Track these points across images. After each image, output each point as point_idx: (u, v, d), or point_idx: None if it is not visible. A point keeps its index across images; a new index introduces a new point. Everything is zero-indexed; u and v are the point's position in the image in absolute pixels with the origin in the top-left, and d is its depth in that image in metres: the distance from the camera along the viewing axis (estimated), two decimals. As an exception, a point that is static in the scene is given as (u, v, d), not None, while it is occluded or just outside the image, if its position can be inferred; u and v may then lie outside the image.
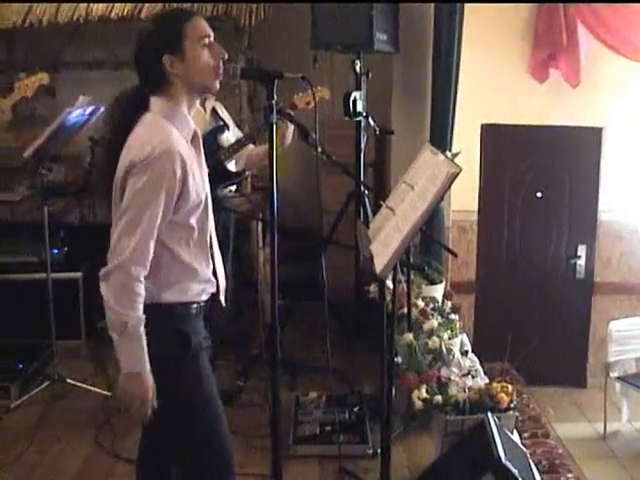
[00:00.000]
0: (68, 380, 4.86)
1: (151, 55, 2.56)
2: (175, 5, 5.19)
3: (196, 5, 5.20)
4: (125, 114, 2.61)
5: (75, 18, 5.40)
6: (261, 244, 5.57)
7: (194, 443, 2.74)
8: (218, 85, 2.66)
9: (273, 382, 2.91)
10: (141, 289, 2.48)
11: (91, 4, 5.36)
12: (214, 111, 4.98)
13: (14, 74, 6.27)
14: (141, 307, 2.49)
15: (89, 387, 4.84)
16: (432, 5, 5.34)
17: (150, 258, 2.50)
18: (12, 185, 6.25)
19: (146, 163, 2.44)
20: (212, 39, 2.63)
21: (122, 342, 2.49)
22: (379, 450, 3.69)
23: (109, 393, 4.75)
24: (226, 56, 2.64)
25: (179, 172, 2.47)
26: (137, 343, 2.49)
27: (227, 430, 2.81)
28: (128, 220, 2.46)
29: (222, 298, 2.86)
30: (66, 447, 4.25)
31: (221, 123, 4.95)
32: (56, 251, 5.59)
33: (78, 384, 4.85)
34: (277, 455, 3.00)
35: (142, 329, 2.48)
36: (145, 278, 2.52)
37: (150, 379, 2.54)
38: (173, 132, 2.54)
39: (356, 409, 4.35)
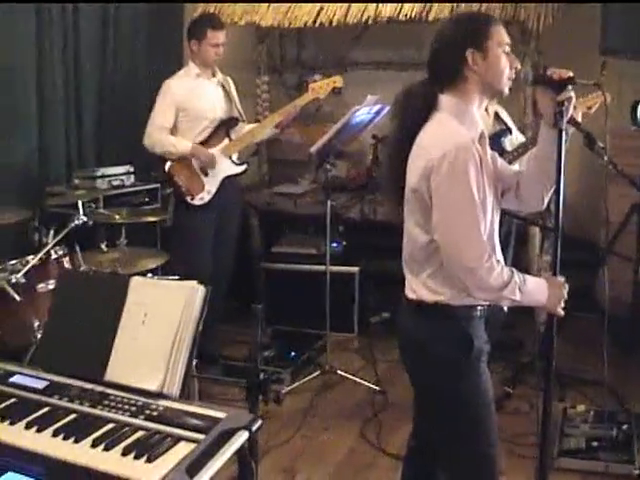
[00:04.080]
0: (338, 371, 4.97)
1: (454, 47, 2.56)
2: (463, 6, 5.18)
3: (484, 6, 5.14)
4: (415, 112, 2.62)
5: (364, 19, 5.50)
6: (537, 251, 5.44)
7: (464, 448, 2.73)
8: (508, 91, 2.64)
9: (545, 392, 2.82)
10: (504, 273, 2.49)
11: (380, 6, 5.44)
12: (497, 115, 4.93)
13: (303, 73, 6.53)
14: (515, 280, 2.51)
15: (358, 380, 4.92)
16: None
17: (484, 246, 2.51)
18: (296, 178, 6.51)
19: (448, 163, 2.44)
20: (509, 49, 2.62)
21: (525, 295, 2.53)
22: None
23: (377, 387, 4.82)
24: (519, 67, 2.64)
25: (478, 168, 2.47)
26: (529, 286, 2.53)
27: (497, 439, 2.77)
28: (452, 222, 2.50)
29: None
30: (332, 436, 4.35)
31: (504, 127, 4.90)
32: (335, 245, 5.72)
33: (348, 376, 4.95)
34: (543, 466, 2.90)
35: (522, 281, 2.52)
36: (433, 277, 2.57)
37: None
38: (463, 130, 2.53)
39: (625, 427, 4.14)
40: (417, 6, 5.32)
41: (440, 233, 2.50)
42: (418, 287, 2.63)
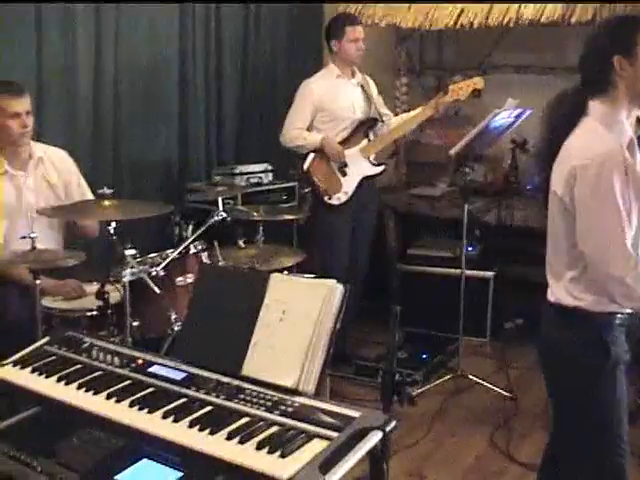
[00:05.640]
0: (470, 376, 4.96)
1: (601, 54, 2.57)
2: (607, 6, 5.06)
3: (629, 7, 5.00)
4: (565, 117, 2.63)
5: (505, 21, 5.44)
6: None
7: (593, 453, 2.71)
8: None
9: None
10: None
11: (522, 7, 5.36)
12: (639, 120, 4.80)
13: (442, 75, 6.50)
14: None
15: (490, 385, 4.87)
16: None
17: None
18: (433, 181, 6.47)
19: (592, 172, 2.44)
20: None
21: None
22: None
23: (508, 394, 4.77)
24: None
25: (623, 177, 2.45)
26: None
27: (627, 449, 2.73)
28: (596, 233, 2.49)
29: None
30: (461, 441, 4.33)
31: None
32: (471, 249, 5.67)
33: (479, 381, 4.92)
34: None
35: None
36: (575, 282, 2.59)
37: None
38: (610, 138, 2.52)
39: None
40: (559, 7, 5.23)
41: (585, 243, 2.49)
42: (559, 291, 2.63)
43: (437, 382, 4.93)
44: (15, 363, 2.52)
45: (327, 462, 1.84)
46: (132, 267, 3.64)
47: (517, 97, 4.76)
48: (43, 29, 4.69)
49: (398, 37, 6.52)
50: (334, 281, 2.27)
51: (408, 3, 5.92)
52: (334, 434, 1.94)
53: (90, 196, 4.24)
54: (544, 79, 5.67)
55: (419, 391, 4.79)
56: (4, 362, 2.53)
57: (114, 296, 3.77)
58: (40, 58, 4.71)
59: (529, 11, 5.35)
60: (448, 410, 4.68)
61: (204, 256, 4.10)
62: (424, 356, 5.19)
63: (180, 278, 3.97)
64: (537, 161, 2.81)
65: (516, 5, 5.43)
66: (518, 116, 4.86)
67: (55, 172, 4.25)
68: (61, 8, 4.77)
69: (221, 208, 4.25)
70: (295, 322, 2.24)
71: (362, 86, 5.15)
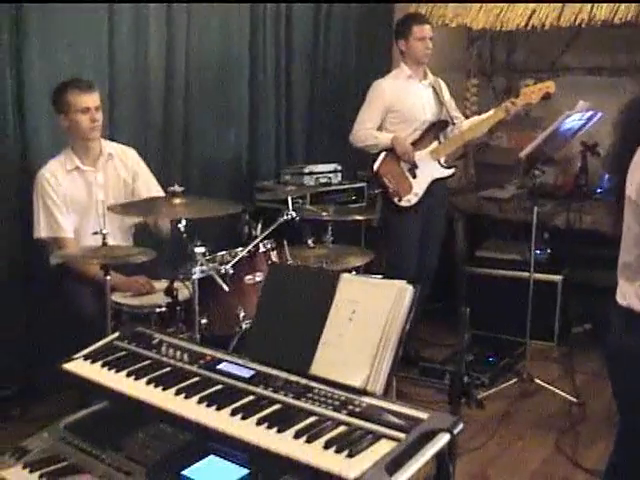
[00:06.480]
0: (536, 380, 4.90)
1: None
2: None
3: None
4: (637, 123, 2.60)
5: (577, 22, 5.38)
6: None
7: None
8: None
9: None
10: None
11: (594, 7, 5.30)
12: None
13: (513, 77, 6.45)
14: None
15: (556, 390, 4.82)
16: None
17: None
18: (502, 183, 6.43)
19: None
20: None
21: None
22: None
23: (575, 399, 4.71)
24: None
25: None
26: None
27: None
28: None
29: None
30: (526, 445, 4.29)
31: None
32: (539, 252, 5.63)
33: (546, 385, 4.87)
34: None
35: None
36: None
37: None
38: None
39: None
40: (633, 7, 5.15)
41: None
42: (629, 294, 2.59)
43: (503, 385, 4.89)
44: (86, 357, 2.56)
45: (394, 463, 1.84)
46: (201, 265, 3.67)
47: (588, 99, 4.71)
48: (115, 29, 4.78)
49: (469, 38, 6.49)
50: (404, 282, 2.26)
51: (479, 2, 5.89)
52: (402, 435, 1.93)
53: (156, 194, 4.30)
54: (616, 81, 5.61)
55: (485, 394, 4.76)
56: (75, 356, 2.57)
57: (183, 293, 3.82)
58: (112, 58, 4.79)
59: (602, 11, 5.29)
60: (514, 414, 4.64)
61: (273, 255, 4.13)
62: (490, 359, 5.17)
63: (249, 276, 4.00)
64: (610, 165, 2.77)
65: (588, 5, 5.36)
66: (589, 119, 4.79)
67: (124, 169, 4.34)
68: (133, 8, 4.85)
69: (291, 207, 4.28)
70: (365, 322, 2.24)
71: (433, 87, 5.14)
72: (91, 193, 4.21)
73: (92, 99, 4.09)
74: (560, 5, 5.49)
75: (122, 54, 4.84)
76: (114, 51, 4.79)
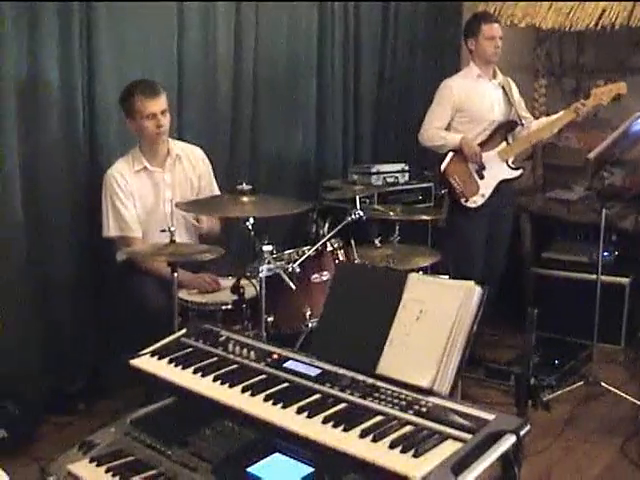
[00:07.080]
0: (602, 383, 4.85)
1: None
2: None
3: None
4: None
5: (647, 22, 5.31)
6: None
7: None
8: None
9: None
10: None
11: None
12: None
13: (582, 77, 6.38)
14: None
15: (623, 394, 4.76)
16: None
17: None
18: (570, 184, 6.37)
19: None
20: None
21: None
22: None
23: (642, 404, 4.66)
24: None
25: None
26: None
27: None
28: None
29: None
30: (591, 449, 4.24)
31: None
32: (607, 254, 5.58)
33: (612, 389, 4.81)
34: None
35: None
36: None
37: None
38: None
39: None
40: None
41: None
42: None
43: (569, 388, 4.84)
44: (153, 353, 2.60)
45: (460, 464, 1.84)
46: (268, 263, 3.69)
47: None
48: (184, 28, 4.84)
49: (537, 38, 6.43)
50: (472, 283, 2.27)
51: (549, 1, 5.84)
52: (467, 436, 1.94)
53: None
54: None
55: (550, 397, 4.71)
56: (142, 352, 2.61)
57: (249, 291, 3.86)
58: (181, 57, 4.86)
59: (673, 11, 5.21)
60: (579, 417, 4.59)
61: (340, 254, 4.15)
62: (556, 361, 5.10)
63: (316, 275, 4.02)
64: None
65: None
66: (659, 120, 4.75)
67: (191, 169, 4.39)
68: (202, 7, 4.90)
69: (358, 206, 4.30)
70: (432, 322, 2.24)
71: (503, 87, 5.10)
72: (159, 192, 4.27)
73: (158, 104, 4.12)
74: (631, 4, 5.42)
75: (191, 54, 4.90)
76: (183, 51, 4.85)
